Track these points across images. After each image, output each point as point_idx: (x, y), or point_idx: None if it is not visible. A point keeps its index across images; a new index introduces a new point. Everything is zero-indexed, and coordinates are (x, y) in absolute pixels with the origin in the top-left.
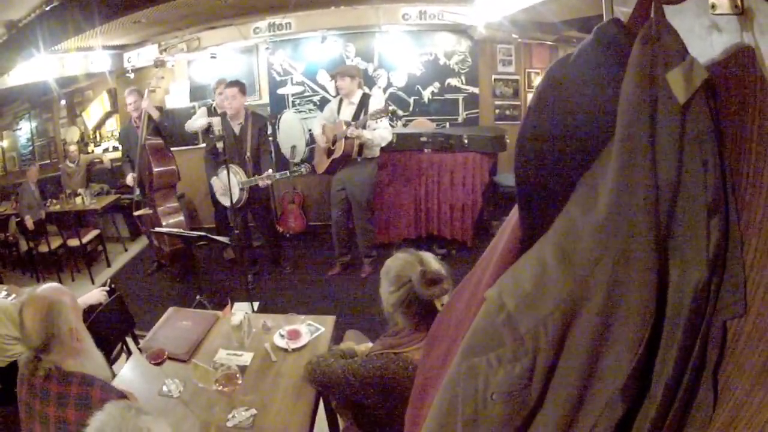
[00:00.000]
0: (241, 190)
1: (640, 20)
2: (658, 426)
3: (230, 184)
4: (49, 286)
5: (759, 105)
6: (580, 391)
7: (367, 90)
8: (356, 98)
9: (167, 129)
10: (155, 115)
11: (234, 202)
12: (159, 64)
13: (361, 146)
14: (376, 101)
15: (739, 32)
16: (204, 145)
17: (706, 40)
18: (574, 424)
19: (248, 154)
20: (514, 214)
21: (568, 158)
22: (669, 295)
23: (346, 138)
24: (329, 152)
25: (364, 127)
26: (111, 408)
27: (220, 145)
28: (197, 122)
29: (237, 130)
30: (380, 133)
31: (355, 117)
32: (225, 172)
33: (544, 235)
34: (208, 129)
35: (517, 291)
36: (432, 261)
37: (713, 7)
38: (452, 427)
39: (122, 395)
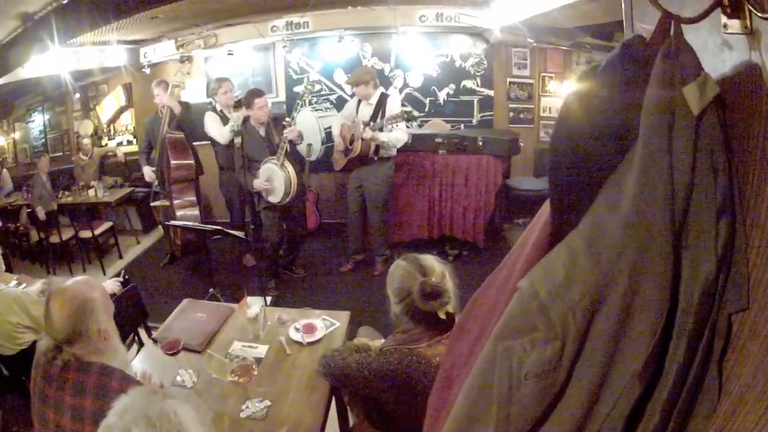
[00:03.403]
0: (284, 170)
1: (660, 37)
2: (668, 409)
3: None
4: (81, 280)
5: (765, 119)
6: (603, 373)
7: (383, 90)
8: (374, 99)
9: (188, 123)
10: (177, 110)
11: (288, 192)
12: (185, 59)
13: (378, 147)
14: (394, 101)
15: (748, 51)
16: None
17: (718, 56)
18: (597, 403)
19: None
20: (543, 211)
21: (596, 160)
22: (681, 287)
23: (363, 139)
24: (347, 151)
25: (381, 129)
26: (136, 392)
27: (238, 140)
28: (225, 130)
29: (263, 132)
30: (396, 135)
31: (373, 117)
32: (267, 164)
33: (573, 230)
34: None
35: (549, 280)
36: (434, 267)
37: (725, 26)
38: (485, 405)
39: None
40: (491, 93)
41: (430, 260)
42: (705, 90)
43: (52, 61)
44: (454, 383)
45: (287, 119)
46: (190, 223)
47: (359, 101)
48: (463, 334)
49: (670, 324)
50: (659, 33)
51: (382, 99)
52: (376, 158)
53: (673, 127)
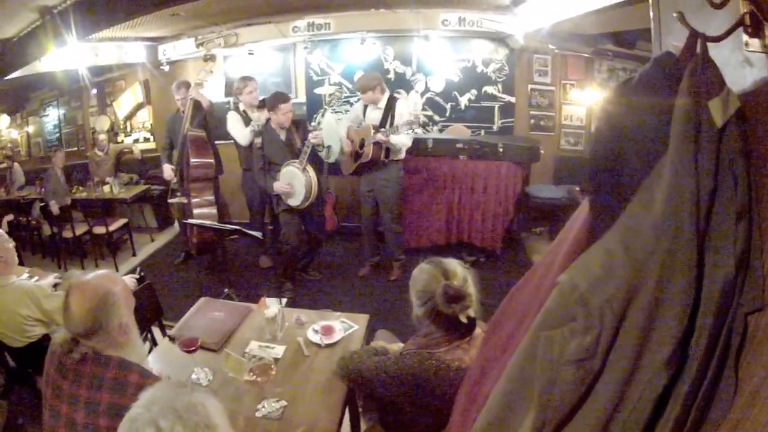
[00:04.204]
0: (305, 174)
1: (688, 53)
2: (690, 402)
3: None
4: (102, 273)
5: None
6: (634, 361)
7: (403, 93)
8: (382, 103)
9: (215, 119)
10: (205, 103)
11: (308, 196)
12: (209, 58)
13: (388, 150)
14: (403, 104)
15: (767, 68)
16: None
17: (739, 72)
18: (627, 391)
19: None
20: (579, 214)
21: (631, 166)
22: (704, 285)
23: (375, 143)
24: (356, 155)
25: (396, 131)
26: (162, 384)
27: (258, 141)
28: (246, 131)
29: (283, 136)
30: (401, 139)
31: (383, 120)
32: (288, 167)
33: (610, 230)
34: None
35: (587, 275)
36: (457, 271)
37: (746, 44)
38: (525, 392)
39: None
40: (512, 99)
41: (454, 264)
42: (728, 104)
43: (69, 55)
44: (487, 376)
45: (313, 124)
46: (208, 222)
47: (365, 105)
48: (497, 329)
49: (693, 320)
50: (687, 50)
51: (391, 102)
52: (386, 161)
53: (700, 137)
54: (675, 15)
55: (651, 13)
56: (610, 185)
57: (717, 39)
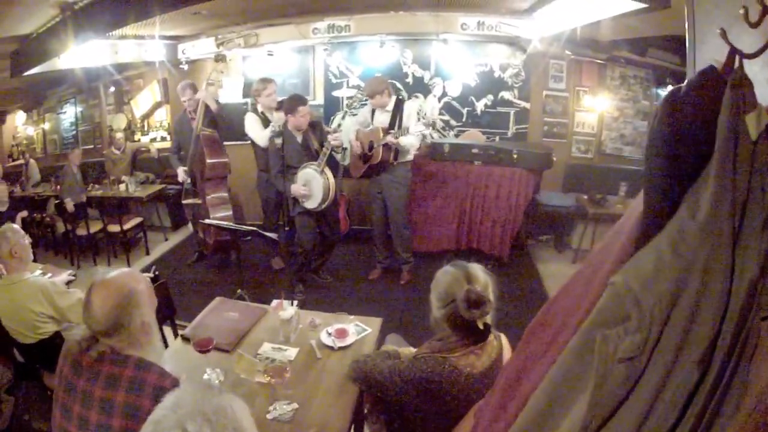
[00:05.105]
0: (323, 176)
1: (728, 68)
2: (709, 401)
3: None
4: (126, 271)
5: None
6: (673, 359)
7: (420, 97)
8: (390, 106)
9: (225, 120)
10: (213, 106)
11: (326, 198)
12: (219, 58)
13: (397, 152)
14: (411, 106)
15: None
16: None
17: (766, 88)
18: (665, 387)
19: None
20: (628, 218)
21: (680, 173)
22: (733, 287)
23: (384, 145)
24: (365, 158)
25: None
26: (189, 386)
27: (278, 141)
28: (266, 133)
29: (300, 138)
30: (409, 140)
31: (391, 123)
32: (306, 169)
33: (659, 233)
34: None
35: (640, 276)
36: (480, 276)
37: None
38: (575, 389)
39: (178, 384)
40: (527, 105)
41: (477, 269)
42: (761, 118)
43: (89, 52)
44: (528, 375)
45: (332, 126)
46: (224, 223)
47: (373, 109)
48: (537, 333)
49: (722, 320)
50: (727, 65)
51: (399, 104)
52: (395, 163)
53: (737, 149)
54: (717, 31)
55: (686, 25)
56: (662, 189)
57: (753, 56)
